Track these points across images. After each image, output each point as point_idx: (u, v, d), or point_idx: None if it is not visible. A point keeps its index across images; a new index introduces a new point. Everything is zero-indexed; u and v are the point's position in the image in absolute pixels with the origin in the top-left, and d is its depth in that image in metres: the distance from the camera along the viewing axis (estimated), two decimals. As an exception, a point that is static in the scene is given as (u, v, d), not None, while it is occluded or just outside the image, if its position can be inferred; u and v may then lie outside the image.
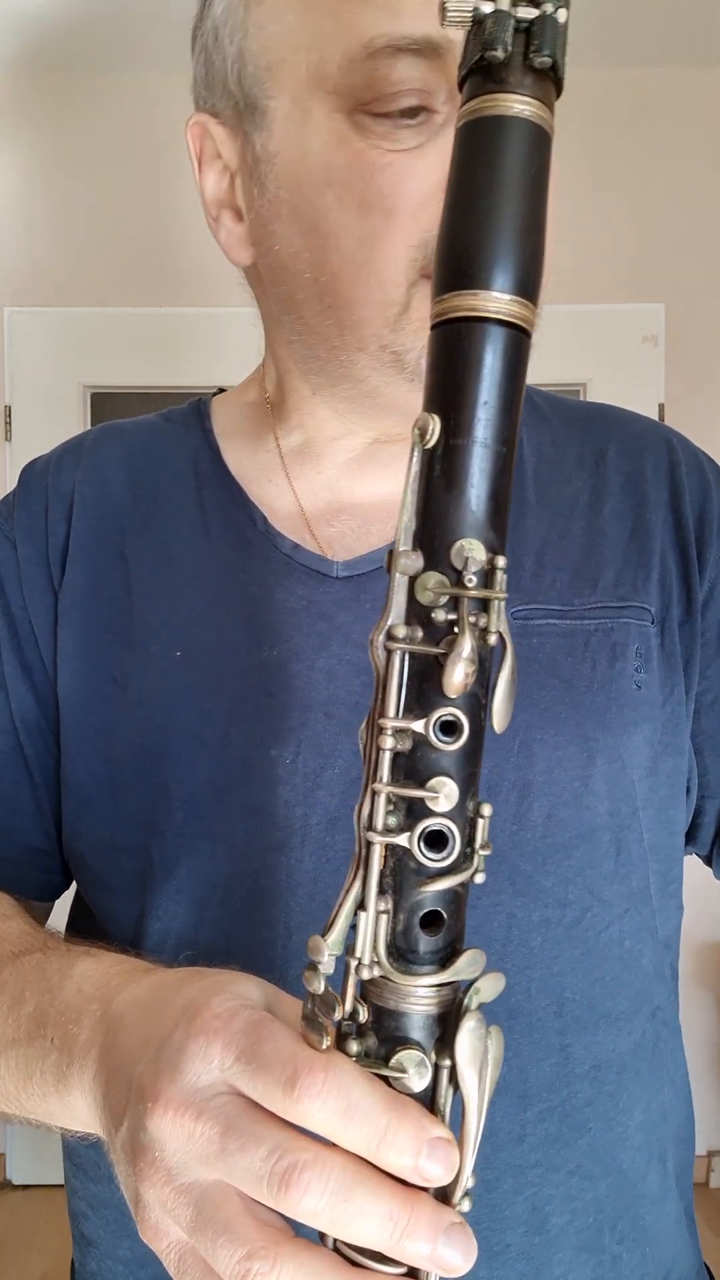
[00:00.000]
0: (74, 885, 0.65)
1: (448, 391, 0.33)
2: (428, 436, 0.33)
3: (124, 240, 2.33)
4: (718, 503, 0.64)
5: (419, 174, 0.52)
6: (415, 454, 0.33)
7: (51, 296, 2.34)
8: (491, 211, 0.33)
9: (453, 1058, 0.32)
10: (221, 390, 0.72)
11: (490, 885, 0.53)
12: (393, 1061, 0.32)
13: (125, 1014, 0.40)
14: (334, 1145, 0.31)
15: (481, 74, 0.34)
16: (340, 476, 0.63)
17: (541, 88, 0.33)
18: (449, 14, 0.33)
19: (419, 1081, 0.32)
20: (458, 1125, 0.33)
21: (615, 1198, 0.55)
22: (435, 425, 0.33)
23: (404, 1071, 0.32)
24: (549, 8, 0.33)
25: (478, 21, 0.33)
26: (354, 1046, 0.32)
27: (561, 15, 0.33)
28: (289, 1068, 0.31)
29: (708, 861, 0.67)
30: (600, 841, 0.56)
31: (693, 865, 0.67)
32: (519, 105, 0.33)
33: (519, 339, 0.34)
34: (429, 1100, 0.33)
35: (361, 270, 0.53)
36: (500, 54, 0.33)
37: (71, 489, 0.64)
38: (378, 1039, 0.33)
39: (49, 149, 2.35)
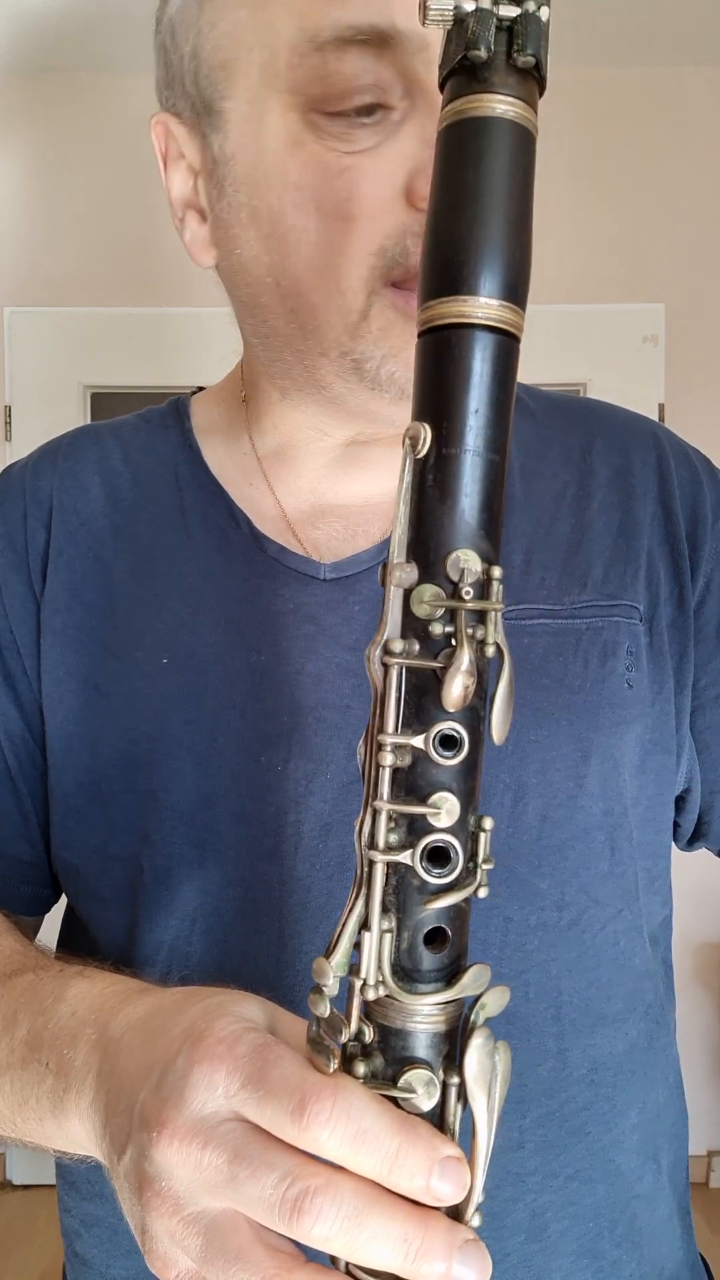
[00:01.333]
0: (63, 902, 0.65)
1: (438, 400, 0.33)
2: (419, 446, 0.32)
3: (124, 240, 2.31)
4: (709, 497, 0.62)
5: (376, 177, 0.50)
6: (407, 464, 0.33)
7: (51, 296, 2.33)
8: (477, 215, 0.32)
9: (461, 1075, 0.32)
10: (201, 389, 0.70)
11: None
12: (401, 1082, 0.32)
13: (123, 1038, 0.39)
14: (343, 1168, 0.31)
15: (464, 74, 0.33)
16: (320, 479, 0.61)
17: (525, 87, 0.33)
18: (430, 12, 0.32)
19: (428, 1101, 0.32)
20: (466, 1140, 0.33)
21: (613, 1201, 0.54)
22: (426, 435, 0.32)
23: (413, 1091, 0.32)
24: (531, 6, 0.32)
25: (459, 20, 0.33)
26: (361, 1068, 0.32)
27: (544, 13, 0.32)
28: (297, 1094, 0.31)
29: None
30: (595, 841, 0.56)
31: (692, 865, 0.66)
32: (503, 106, 0.32)
33: (508, 345, 0.33)
34: (438, 1118, 0.32)
35: (322, 275, 0.52)
36: (483, 54, 0.32)
37: (50, 495, 0.63)
38: (384, 1059, 0.32)
39: (49, 149, 2.33)
